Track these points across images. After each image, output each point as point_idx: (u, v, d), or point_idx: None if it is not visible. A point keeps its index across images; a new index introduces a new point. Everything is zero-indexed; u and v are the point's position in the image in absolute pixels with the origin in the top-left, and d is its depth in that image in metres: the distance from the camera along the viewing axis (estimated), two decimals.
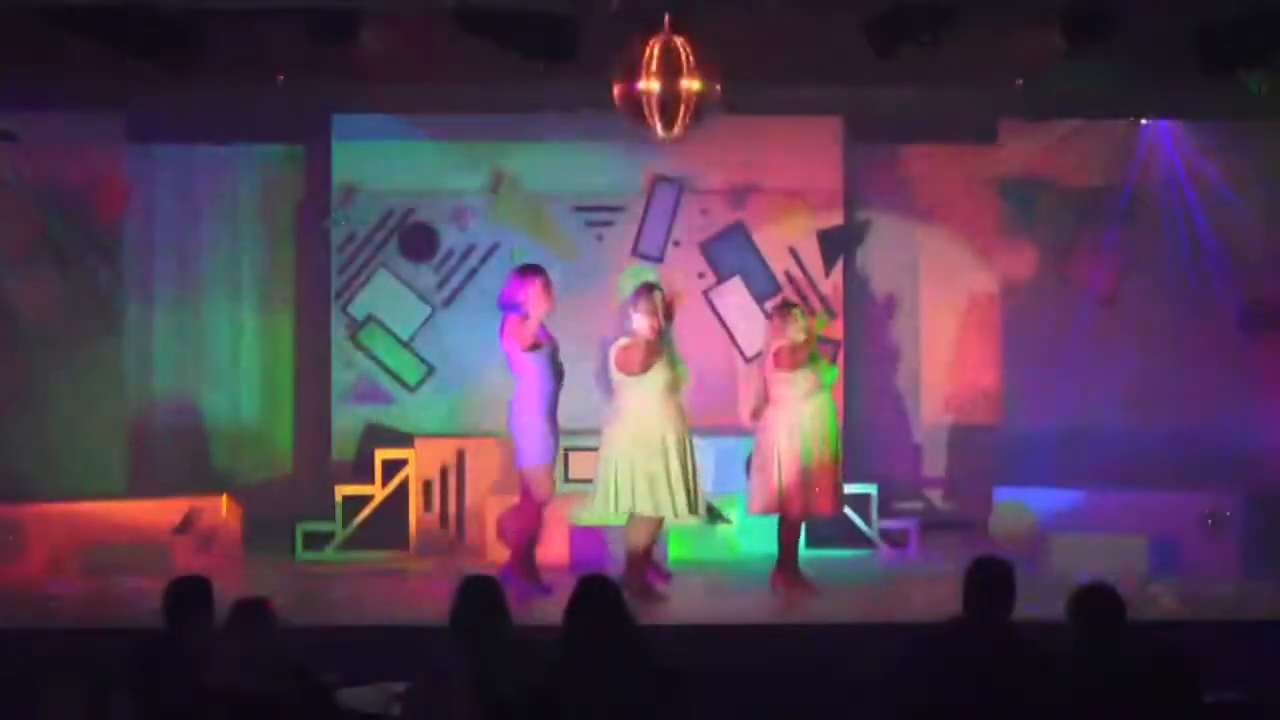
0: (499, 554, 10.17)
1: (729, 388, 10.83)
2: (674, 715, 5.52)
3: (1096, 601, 5.69)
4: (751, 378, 9.72)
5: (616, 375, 9.12)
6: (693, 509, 9.14)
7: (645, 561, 9.24)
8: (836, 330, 11.65)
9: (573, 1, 9.09)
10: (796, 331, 9.34)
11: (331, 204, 11.70)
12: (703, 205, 11.85)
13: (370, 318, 11.73)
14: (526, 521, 9.48)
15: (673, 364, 9.16)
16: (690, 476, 9.11)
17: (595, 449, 9.28)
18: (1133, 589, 5.96)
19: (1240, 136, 11.43)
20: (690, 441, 9.16)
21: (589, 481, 9.38)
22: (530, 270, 9.50)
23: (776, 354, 9.34)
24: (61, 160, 11.30)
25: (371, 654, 7.21)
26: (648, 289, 9.20)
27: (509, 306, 9.39)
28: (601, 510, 9.19)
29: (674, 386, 9.15)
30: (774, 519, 9.48)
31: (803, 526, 9.56)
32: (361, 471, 11.10)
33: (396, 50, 9.52)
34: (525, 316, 9.31)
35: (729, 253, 11.84)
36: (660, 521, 9.17)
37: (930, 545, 10.82)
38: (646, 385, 9.07)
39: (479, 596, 5.86)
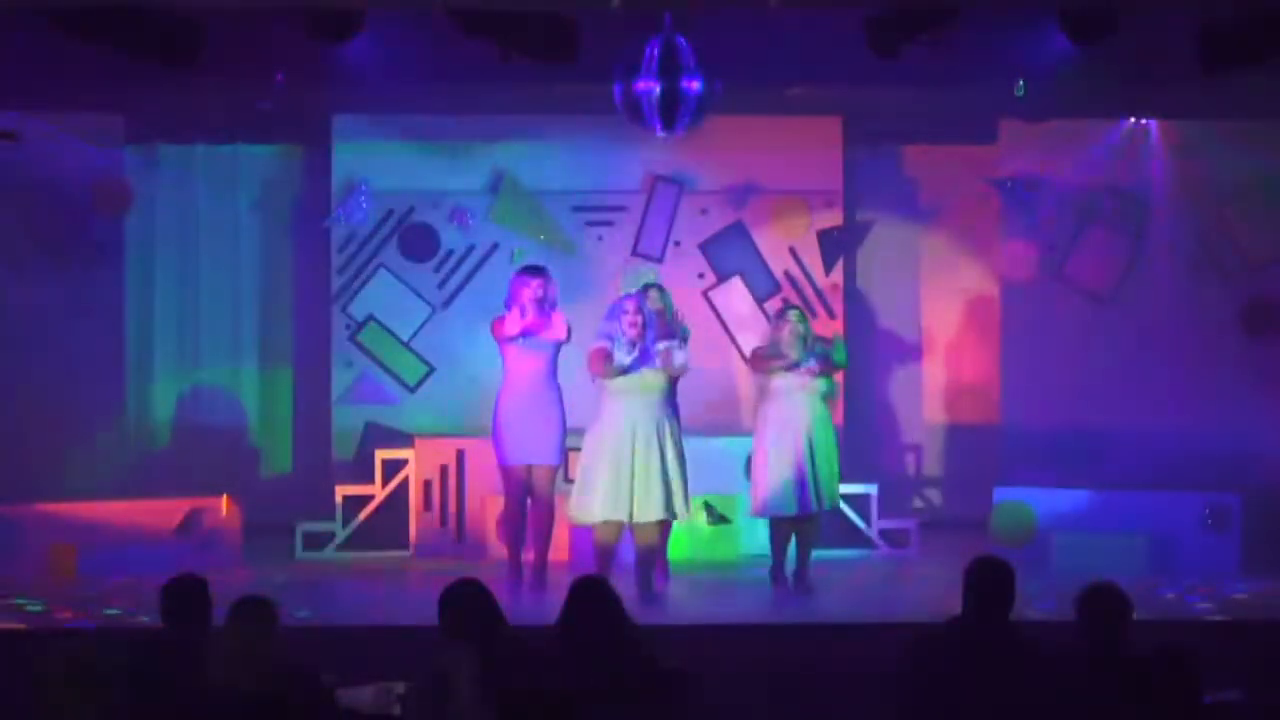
0: (499, 554, 10.18)
1: (729, 388, 10.82)
2: (673, 715, 5.52)
3: (1105, 599, 5.69)
4: (750, 377, 9.69)
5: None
6: (667, 510, 8.95)
7: (657, 560, 9.18)
8: (836, 330, 11.66)
9: (573, 1, 9.09)
10: (788, 333, 9.31)
11: (331, 204, 11.70)
12: (703, 205, 11.85)
13: (370, 318, 11.73)
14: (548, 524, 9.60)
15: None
16: (660, 477, 8.90)
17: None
18: (1133, 589, 5.94)
19: (1240, 136, 11.42)
20: (669, 441, 8.97)
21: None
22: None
23: (754, 353, 9.39)
24: (61, 160, 11.29)
25: (371, 654, 7.21)
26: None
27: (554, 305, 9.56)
28: (576, 514, 9.13)
29: (648, 386, 8.99)
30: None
31: (815, 528, 9.51)
32: (361, 471, 11.10)
33: (396, 50, 9.52)
34: None
35: (729, 253, 11.84)
36: (666, 521, 9.11)
37: (930, 545, 10.80)
38: (614, 387, 8.99)
39: (463, 602, 5.81)
